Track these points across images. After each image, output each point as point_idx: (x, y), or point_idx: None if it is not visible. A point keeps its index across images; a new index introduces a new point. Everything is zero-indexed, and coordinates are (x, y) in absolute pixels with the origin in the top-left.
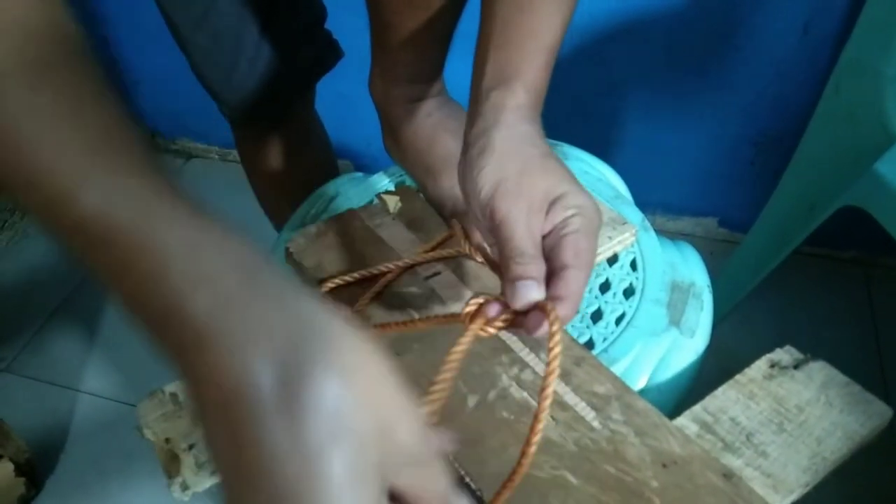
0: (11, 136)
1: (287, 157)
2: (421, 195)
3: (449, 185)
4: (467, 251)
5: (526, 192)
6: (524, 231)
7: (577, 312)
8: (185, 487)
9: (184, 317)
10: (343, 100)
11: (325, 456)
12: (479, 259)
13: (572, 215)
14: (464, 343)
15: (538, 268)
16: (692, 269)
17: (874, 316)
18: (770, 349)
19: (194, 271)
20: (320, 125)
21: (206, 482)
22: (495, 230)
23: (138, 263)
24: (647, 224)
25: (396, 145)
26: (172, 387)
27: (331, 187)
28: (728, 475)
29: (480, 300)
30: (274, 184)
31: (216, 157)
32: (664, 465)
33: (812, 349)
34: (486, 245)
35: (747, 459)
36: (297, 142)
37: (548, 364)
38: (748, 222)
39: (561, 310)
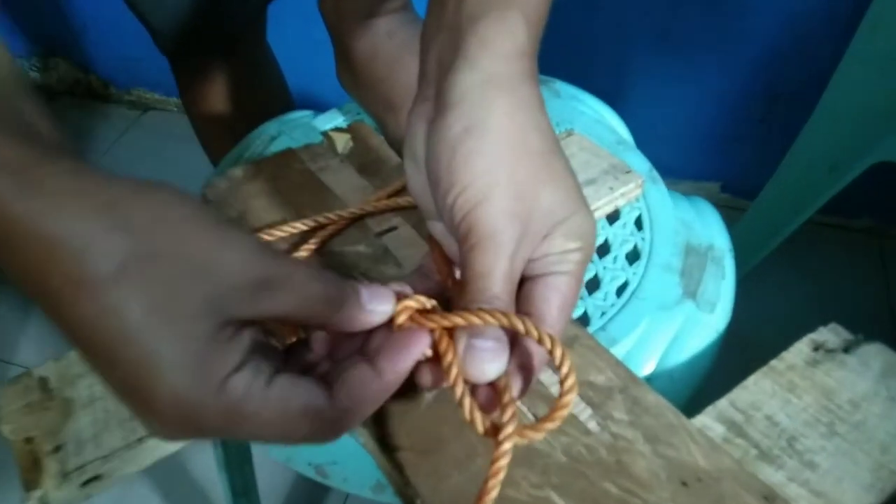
0: None
1: (234, 96)
2: (380, 135)
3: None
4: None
5: (525, 210)
6: (506, 268)
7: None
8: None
9: None
10: (315, 46)
11: (124, 308)
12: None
13: (573, 250)
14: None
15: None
16: (710, 229)
17: (889, 290)
18: (779, 327)
19: None
20: (273, 61)
21: (74, 497)
22: (468, 250)
23: None
24: (656, 174)
25: (351, 74)
26: (43, 369)
27: (272, 126)
28: (770, 498)
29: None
30: (219, 127)
31: (175, 108)
32: (684, 484)
33: (819, 323)
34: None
35: (790, 472)
36: (245, 79)
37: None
38: (754, 187)
39: (515, 387)
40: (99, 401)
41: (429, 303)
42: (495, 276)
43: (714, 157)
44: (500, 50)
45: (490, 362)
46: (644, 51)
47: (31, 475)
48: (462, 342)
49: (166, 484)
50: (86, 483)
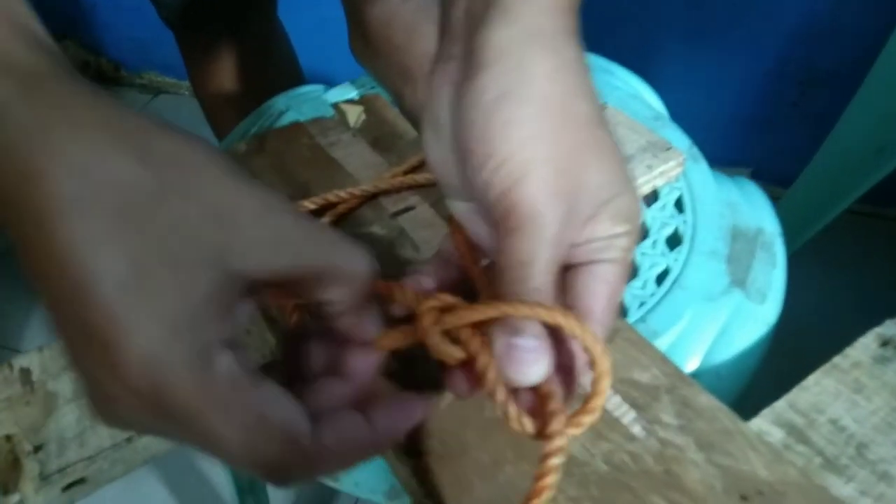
0: None
1: (243, 73)
2: (395, 108)
3: None
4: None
5: (570, 188)
6: (549, 256)
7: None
8: None
9: None
10: (328, 21)
11: (116, 242)
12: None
13: (620, 235)
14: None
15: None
16: (758, 212)
17: None
18: (812, 320)
19: None
20: (284, 37)
21: (54, 501)
22: (506, 234)
23: None
24: (697, 152)
25: (365, 42)
26: (25, 360)
27: (281, 100)
28: None
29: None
30: (227, 106)
31: (186, 92)
32: (743, 498)
33: (856, 319)
34: (465, 230)
35: (862, 485)
36: (254, 56)
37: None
38: (786, 174)
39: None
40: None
41: (453, 300)
42: (537, 264)
43: (744, 142)
44: (541, 1)
45: (533, 364)
46: (670, 27)
47: (8, 477)
48: (500, 341)
49: (173, 480)
50: (68, 487)
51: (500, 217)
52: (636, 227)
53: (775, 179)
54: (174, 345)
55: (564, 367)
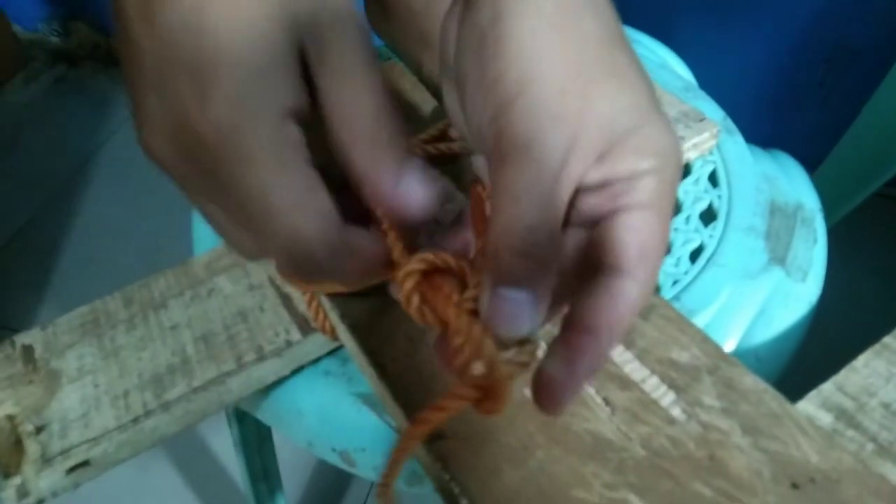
0: None
1: None
2: (413, 76)
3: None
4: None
5: (574, 111)
6: (548, 191)
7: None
8: (22, 494)
9: None
10: None
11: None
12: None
13: (645, 173)
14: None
15: (547, 267)
16: (797, 186)
17: None
18: (841, 306)
19: None
20: None
21: (58, 485)
22: (497, 163)
23: None
24: (731, 124)
25: (383, 9)
26: (28, 336)
27: None
28: None
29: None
30: None
31: None
32: (794, 486)
33: (886, 304)
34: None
35: None
36: None
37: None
38: (810, 157)
39: (584, 352)
40: (89, 374)
41: (452, 260)
42: (531, 199)
43: (766, 124)
44: None
45: (521, 318)
46: (693, 2)
47: (10, 459)
48: (486, 292)
49: (182, 466)
50: (72, 469)
51: (491, 148)
52: (669, 163)
53: (800, 161)
54: (263, 95)
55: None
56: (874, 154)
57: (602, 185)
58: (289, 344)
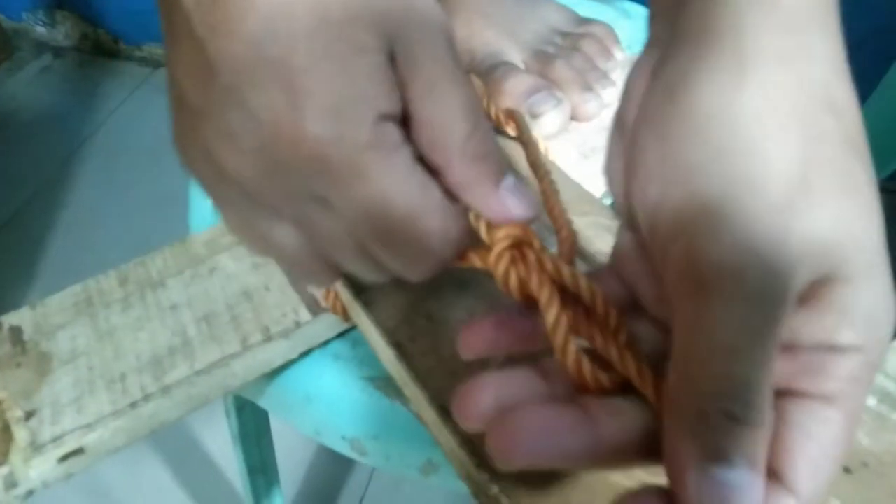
0: None
1: None
2: None
3: (467, 33)
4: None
5: (799, 237)
6: (768, 332)
7: None
8: (10, 484)
9: None
10: None
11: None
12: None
13: (846, 349)
14: None
15: (764, 435)
16: None
17: None
18: None
19: None
20: None
21: (49, 475)
22: (687, 288)
23: None
24: None
25: None
26: (16, 317)
27: None
28: None
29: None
30: None
31: None
32: (846, 470)
33: None
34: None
35: None
36: None
37: None
38: None
39: None
40: (82, 356)
41: (536, 241)
42: (746, 346)
43: None
44: None
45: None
46: None
47: None
48: (690, 473)
49: (177, 460)
50: (64, 458)
51: (673, 273)
52: (879, 341)
53: None
54: (361, 103)
55: None
56: (873, 152)
57: (784, 348)
58: (297, 325)
